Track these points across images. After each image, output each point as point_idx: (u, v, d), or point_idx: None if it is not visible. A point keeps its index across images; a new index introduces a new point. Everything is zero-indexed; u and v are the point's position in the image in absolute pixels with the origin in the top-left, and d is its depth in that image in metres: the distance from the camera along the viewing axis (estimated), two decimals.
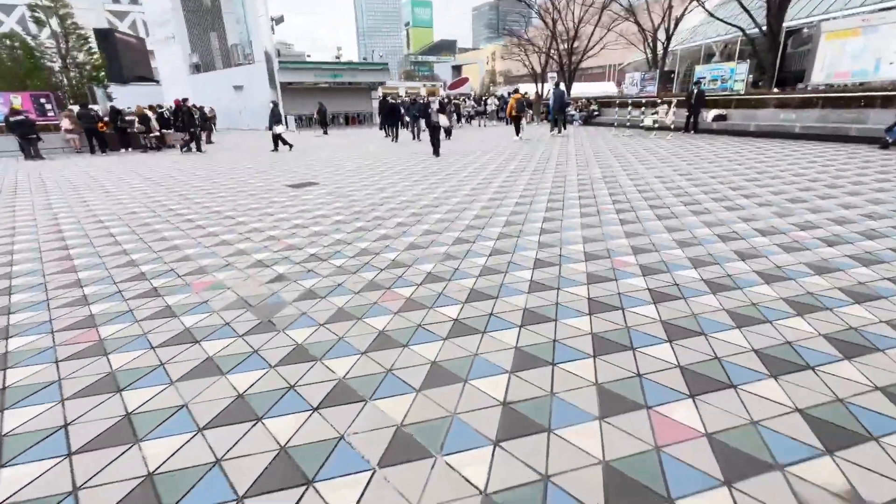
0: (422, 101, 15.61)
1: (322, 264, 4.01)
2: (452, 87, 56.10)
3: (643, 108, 15.16)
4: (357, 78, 29.04)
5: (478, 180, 8.00)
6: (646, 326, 2.73)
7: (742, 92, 13.92)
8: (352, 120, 30.21)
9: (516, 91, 18.26)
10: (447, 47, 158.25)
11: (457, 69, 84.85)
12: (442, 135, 15.23)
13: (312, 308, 3.14)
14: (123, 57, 52.36)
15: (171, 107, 22.16)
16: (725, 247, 4.08)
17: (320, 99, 28.53)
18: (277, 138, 14.64)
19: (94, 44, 33.05)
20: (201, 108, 21.24)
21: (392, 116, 17.33)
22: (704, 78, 14.69)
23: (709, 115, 14.60)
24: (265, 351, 2.61)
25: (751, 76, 13.88)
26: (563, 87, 17.92)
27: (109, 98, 30.64)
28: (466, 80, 58.34)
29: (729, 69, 13.97)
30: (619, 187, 6.89)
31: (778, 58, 16.59)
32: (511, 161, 10.22)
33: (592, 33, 32.00)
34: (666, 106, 15.03)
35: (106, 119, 16.76)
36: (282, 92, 26.76)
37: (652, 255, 3.95)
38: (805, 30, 29.59)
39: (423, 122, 14.33)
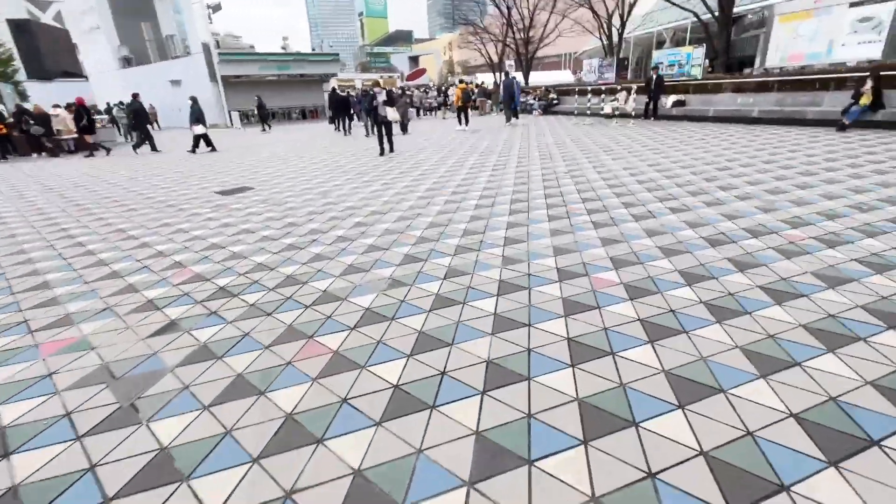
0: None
1: (230, 302, 3.13)
2: (410, 77, 54.78)
3: (603, 96, 14.80)
4: (306, 70, 27.41)
5: (434, 178, 7.22)
6: (645, 382, 2.06)
7: (699, 77, 13.76)
8: (311, 114, 28.52)
9: (461, 82, 17.85)
10: (403, 38, 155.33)
11: (414, 60, 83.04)
12: (396, 129, 14.28)
13: (200, 377, 2.29)
14: (46, 51, 47.98)
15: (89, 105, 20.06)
16: (716, 253, 3.51)
17: (266, 92, 26.83)
18: (199, 139, 13.28)
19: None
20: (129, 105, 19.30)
21: (343, 110, 16.60)
22: (662, 63, 14.47)
23: (668, 101, 14.40)
24: (107, 468, 1.74)
25: (706, 61, 13.73)
26: (513, 76, 17.67)
27: (22, 96, 27.56)
28: (424, 70, 57.15)
29: (685, 54, 13.79)
30: (587, 183, 6.30)
31: (728, 42, 16.62)
32: (470, 155, 9.49)
33: (548, 21, 31.69)
34: (625, 93, 14.72)
35: (11, 120, 14.75)
36: (224, 86, 24.92)
37: (635, 269, 3.32)
38: (749, 16, 30.41)
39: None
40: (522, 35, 32.49)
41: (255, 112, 21.07)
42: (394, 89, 15.78)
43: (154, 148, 14.34)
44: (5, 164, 12.98)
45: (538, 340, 2.44)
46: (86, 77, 35.31)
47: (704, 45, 13.96)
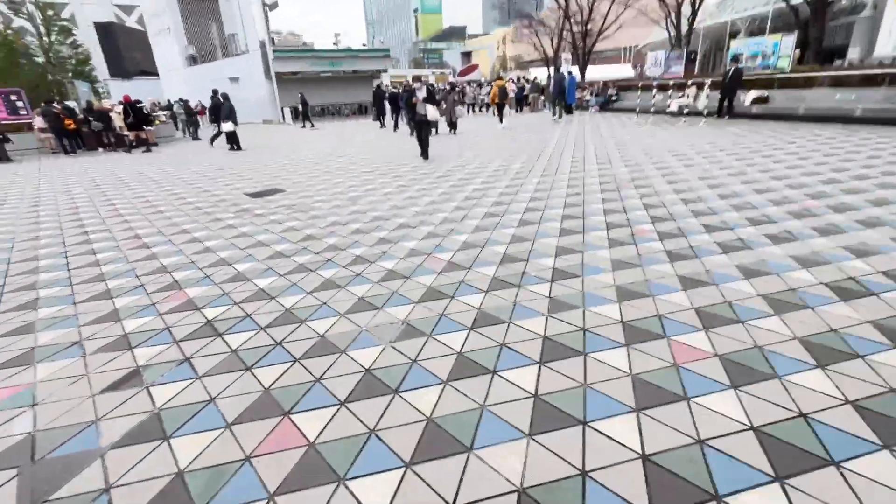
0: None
1: (210, 345, 2.59)
2: (462, 73, 54.10)
3: (670, 92, 13.34)
4: (357, 66, 27.40)
5: (475, 185, 6.48)
6: None
7: (788, 69, 11.99)
8: (363, 110, 28.49)
9: (499, 78, 17.91)
10: (457, 33, 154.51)
11: (466, 55, 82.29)
12: (443, 128, 13.49)
13: (134, 470, 1.71)
14: (126, 51, 51.62)
15: (149, 102, 20.97)
16: (851, 311, 2.53)
17: (317, 89, 27.10)
18: (230, 136, 12.90)
19: (78, 36, 31.85)
20: (186, 102, 20.05)
21: (392, 105, 16.43)
22: (741, 55, 12.78)
23: (747, 97, 12.71)
24: None
25: (796, 50, 11.94)
26: (569, 70, 17.28)
27: (97, 93, 29.62)
28: (476, 66, 56.24)
29: (772, 43, 12.06)
30: (655, 195, 5.30)
31: (823, 29, 14.49)
32: (517, 157, 8.64)
33: (608, 11, 29.76)
34: (695, 88, 13.18)
35: (80, 117, 15.58)
36: (278, 83, 25.40)
37: (732, 329, 2.43)
38: (842, 0, 26.91)
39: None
40: (580, 27, 30.77)
41: (299, 108, 21.04)
42: (438, 85, 15.12)
43: (211, 142, 14.93)
44: (71, 158, 13.66)
45: (598, 450, 1.66)
46: (157, 75, 37.57)
47: (797, 32, 12.14)
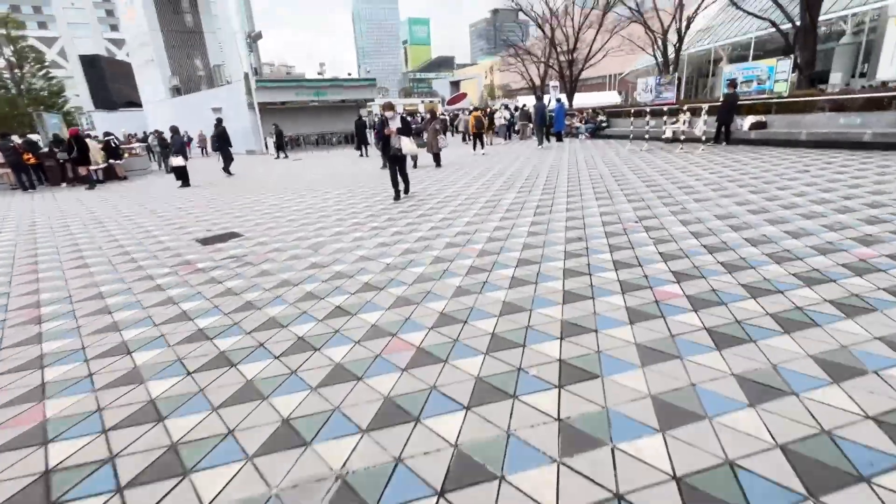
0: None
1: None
2: (451, 102, 54.43)
3: (665, 118, 12.84)
4: (343, 95, 27.04)
5: (459, 227, 5.61)
6: None
7: (785, 93, 11.53)
8: (348, 140, 27.85)
9: (476, 109, 19.00)
10: (445, 63, 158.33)
11: (455, 84, 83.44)
12: (427, 160, 12.60)
13: None
14: (111, 83, 51.43)
15: (122, 134, 20.24)
16: None
17: (304, 119, 26.62)
18: (179, 172, 11.93)
19: (68, 69, 31.31)
20: (160, 134, 19.28)
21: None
22: (734, 79, 12.36)
23: (745, 122, 12.22)
24: None
25: (793, 74, 11.52)
26: (553, 99, 18.13)
27: (71, 125, 28.78)
28: (465, 95, 56.75)
29: (766, 68, 11.65)
30: (671, 241, 4.46)
31: (814, 54, 14.23)
32: (507, 191, 7.85)
33: (594, 40, 29.97)
34: (688, 114, 12.67)
35: (45, 150, 14.68)
36: (263, 113, 24.85)
37: (786, 402, 1.51)
38: (821, 28, 27.33)
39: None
40: (567, 56, 30.92)
41: (274, 139, 20.41)
42: (421, 114, 14.39)
43: (228, 170, 14.63)
44: (28, 195, 12.66)
45: None
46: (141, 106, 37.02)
47: (793, 55, 11.75)
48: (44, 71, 28.97)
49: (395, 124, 7.05)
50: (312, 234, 5.84)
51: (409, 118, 12.39)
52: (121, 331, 3.28)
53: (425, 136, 11.65)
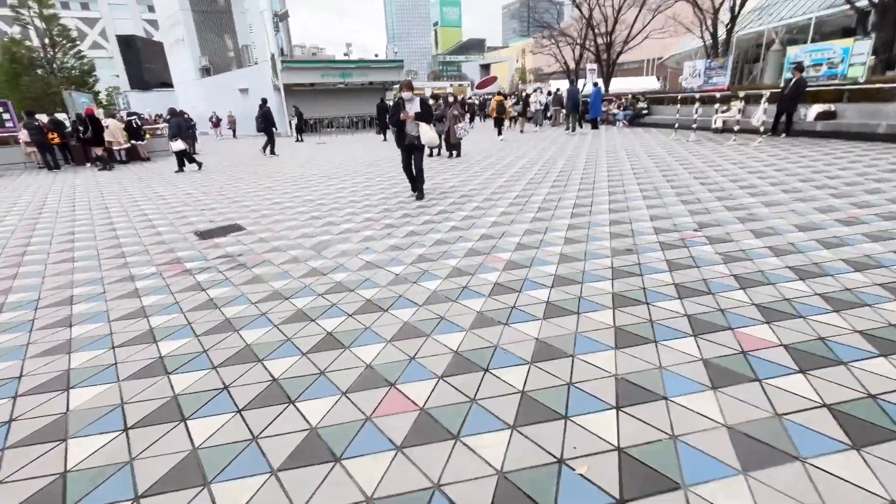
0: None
1: None
2: (480, 86, 52.89)
3: (717, 105, 11.57)
4: (370, 77, 26.29)
5: (482, 229, 4.88)
6: None
7: (861, 79, 10.12)
8: (374, 123, 27.18)
9: (499, 94, 18.52)
10: (476, 46, 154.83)
11: (485, 68, 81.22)
12: (442, 153, 11.38)
13: None
14: (146, 63, 52.24)
15: (142, 115, 20.23)
16: None
17: (331, 101, 26.08)
18: (181, 156, 11.47)
19: (82, 46, 31.55)
20: (177, 115, 19.00)
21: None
22: (801, 62, 10.95)
23: (810, 111, 10.87)
24: None
25: (872, 58, 10.07)
26: (591, 83, 18.80)
27: (101, 104, 29.19)
28: (495, 78, 55.07)
29: (841, 49, 10.22)
30: (743, 256, 3.60)
31: (895, 34, 12.55)
32: (538, 187, 7.03)
33: (635, 20, 28.05)
34: (741, 102, 11.36)
35: (69, 130, 14.64)
36: (289, 95, 24.43)
37: None
38: None
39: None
40: (604, 38, 29.12)
41: (295, 122, 19.96)
42: (446, 98, 13.37)
43: (273, 151, 14.66)
44: (52, 175, 12.59)
45: None
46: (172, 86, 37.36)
47: (874, 35, 10.28)
48: (75, 49, 29.33)
49: (412, 108, 5.97)
50: (319, 231, 5.23)
51: (431, 101, 11.54)
52: (71, 353, 2.74)
53: (446, 122, 10.78)
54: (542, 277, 3.45)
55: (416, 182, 6.57)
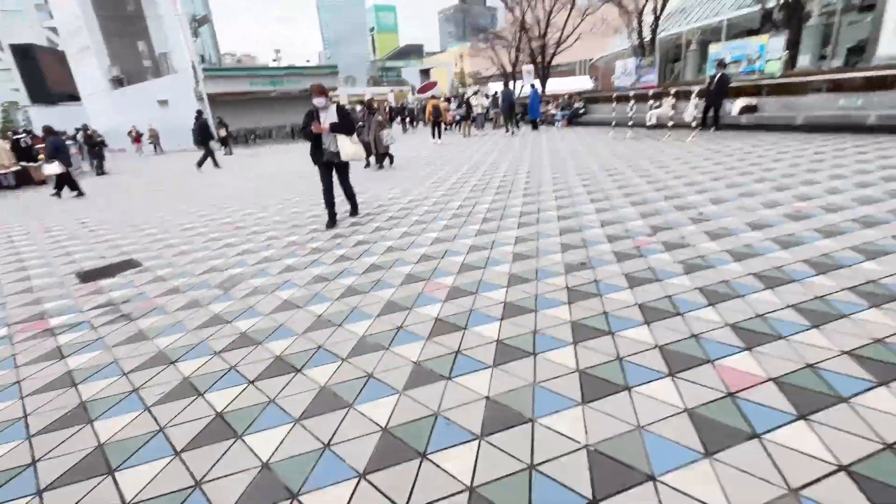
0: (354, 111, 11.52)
1: None
2: (421, 90, 52.54)
3: (651, 102, 11.81)
4: (302, 84, 25.00)
5: (423, 249, 4.32)
6: None
7: (777, 74, 10.66)
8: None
9: (433, 97, 18.88)
10: (414, 51, 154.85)
11: (425, 73, 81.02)
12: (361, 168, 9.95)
13: None
14: (49, 75, 47.22)
15: (33, 133, 18.05)
16: None
17: (262, 111, 24.59)
18: (61, 180, 10.05)
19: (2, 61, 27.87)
20: (86, 130, 17.09)
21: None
22: (724, 59, 11.41)
23: (734, 106, 11.32)
24: None
25: (785, 52, 10.64)
26: (528, 85, 19.28)
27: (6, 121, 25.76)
28: (435, 83, 54.96)
29: (758, 46, 10.74)
30: (703, 263, 3.30)
31: (800, 33, 13.47)
32: (482, 193, 6.60)
33: (566, 23, 28.84)
34: (672, 99, 11.67)
35: None
36: (215, 105, 22.70)
37: None
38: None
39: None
40: (538, 40, 29.69)
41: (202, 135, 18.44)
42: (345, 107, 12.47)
43: (216, 164, 14.03)
44: None
45: None
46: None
47: (787, 32, 10.87)
48: None
49: (327, 117, 4.94)
50: (232, 262, 4.44)
51: (349, 107, 10.71)
52: None
53: (370, 131, 9.82)
54: (490, 307, 2.95)
55: (350, 202, 5.79)
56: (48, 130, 10.15)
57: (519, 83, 30.07)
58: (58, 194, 10.01)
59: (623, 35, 25.78)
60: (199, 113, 14.88)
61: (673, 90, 11.04)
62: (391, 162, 10.46)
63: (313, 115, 5.01)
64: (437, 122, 15.72)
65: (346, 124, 4.98)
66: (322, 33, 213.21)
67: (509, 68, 34.11)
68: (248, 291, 3.62)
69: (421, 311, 2.99)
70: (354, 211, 5.87)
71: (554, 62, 33.21)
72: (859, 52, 23.45)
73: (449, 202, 6.23)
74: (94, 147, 15.09)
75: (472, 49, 49.56)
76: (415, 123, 26.63)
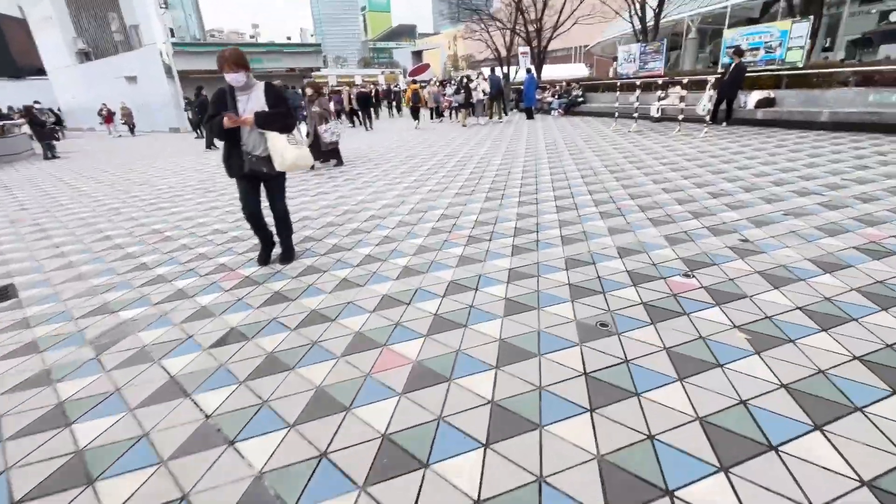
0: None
1: None
2: (413, 73, 50.72)
3: (659, 92, 10.75)
4: (285, 63, 23.45)
5: (385, 287, 3.25)
6: None
7: (800, 64, 9.63)
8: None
9: (414, 82, 18.64)
10: (406, 32, 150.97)
11: (417, 55, 78.87)
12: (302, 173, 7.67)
13: None
14: (16, 48, 44.59)
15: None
16: None
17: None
18: None
19: None
20: (30, 108, 15.41)
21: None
22: (739, 45, 10.34)
23: (749, 99, 10.31)
24: None
25: (809, 41, 9.61)
26: (524, 69, 18.30)
27: None
28: (428, 66, 53.13)
29: (780, 32, 9.69)
30: (781, 336, 2.29)
31: (821, 19, 12.44)
32: (471, 195, 5.52)
33: (563, 6, 27.44)
34: (679, 88, 10.63)
35: None
36: (183, 83, 21.09)
37: None
38: None
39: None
40: (534, 24, 28.24)
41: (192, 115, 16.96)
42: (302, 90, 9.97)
43: (211, 145, 12.81)
44: None
45: None
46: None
47: (811, 17, 9.80)
48: None
49: (251, 102, 3.20)
50: (131, 297, 3.34)
51: (289, 89, 9.51)
52: None
53: (306, 125, 8.12)
54: (472, 400, 1.90)
55: (280, 232, 3.74)
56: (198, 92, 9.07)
57: (514, 68, 28.71)
58: None
59: (620, 21, 24.52)
60: (199, 89, 13.80)
61: (685, 80, 9.95)
62: (339, 163, 8.55)
63: (225, 100, 3.22)
64: (416, 107, 16.02)
65: (280, 114, 3.19)
66: (312, 10, 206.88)
67: (504, 52, 32.64)
68: (129, 356, 2.53)
69: (368, 407, 1.94)
70: (287, 255, 3.76)
71: (549, 48, 31.83)
72: (863, 45, 22.53)
73: (428, 212, 5.14)
74: (41, 127, 13.57)
75: (466, 31, 47.75)
76: (400, 109, 25.30)
